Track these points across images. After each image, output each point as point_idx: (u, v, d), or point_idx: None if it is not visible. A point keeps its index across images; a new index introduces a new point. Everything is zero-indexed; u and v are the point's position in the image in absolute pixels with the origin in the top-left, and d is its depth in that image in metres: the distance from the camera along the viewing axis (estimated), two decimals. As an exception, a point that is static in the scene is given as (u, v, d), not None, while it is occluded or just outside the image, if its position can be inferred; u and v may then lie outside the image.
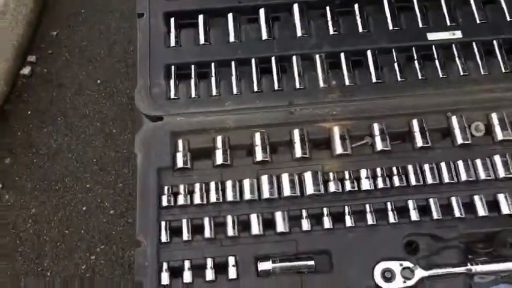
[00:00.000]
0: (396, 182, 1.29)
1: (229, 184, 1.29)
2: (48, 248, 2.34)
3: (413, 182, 1.29)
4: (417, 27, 1.47)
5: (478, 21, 1.48)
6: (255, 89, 1.42)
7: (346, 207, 1.27)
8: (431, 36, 1.46)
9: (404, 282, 1.19)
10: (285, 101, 1.39)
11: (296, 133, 1.34)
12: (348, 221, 1.26)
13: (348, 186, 1.29)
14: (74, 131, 2.56)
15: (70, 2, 2.94)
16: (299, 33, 1.48)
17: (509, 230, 1.22)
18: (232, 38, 1.48)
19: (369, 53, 1.45)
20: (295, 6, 1.50)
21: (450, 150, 1.33)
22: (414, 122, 1.35)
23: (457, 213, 1.25)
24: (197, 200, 1.28)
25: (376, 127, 1.34)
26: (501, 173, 1.29)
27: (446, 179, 1.29)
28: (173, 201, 1.29)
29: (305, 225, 1.25)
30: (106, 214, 2.33)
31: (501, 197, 1.27)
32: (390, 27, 1.48)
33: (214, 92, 1.42)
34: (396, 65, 1.43)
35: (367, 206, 1.27)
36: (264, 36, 1.48)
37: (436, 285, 1.20)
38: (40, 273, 2.30)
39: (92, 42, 2.79)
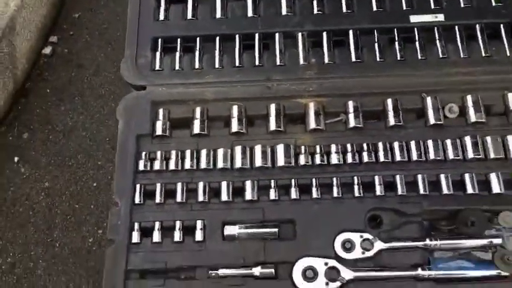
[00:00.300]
0: (365, 158, 1.32)
1: (203, 153, 1.35)
2: (59, 220, 2.44)
3: (381, 158, 1.32)
4: (400, 9, 1.49)
5: (463, 5, 1.48)
6: (237, 63, 1.46)
7: (314, 180, 1.31)
8: (414, 18, 1.47)
9: (363, 253, 1.22)
10: (263, 76, 1.44)
11: (272, 107, 1.38)
12: (315, 193, 1.29)
13: (317, 160, 1.33)
14: (90, 110, 2.65)
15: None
16: (284, 11, 1.51)
17: (471, 209, 1.24)
18: (218, 14, 1.52)
19: (351, 32, 1.47)
20: (283, -15, 1.54)
21: (422, 130, 1.35)
22: (389, 101, 1.37)
23: (422, 191, 1.28)
24: (172, 166, 1.34)
25: (351, 105, 1.37)
26: (470, 153, 1.30)
27: (415, 157, 1.31)
28: (149, 167, 1.35)
29: (273, 194, 1.30)
30: (115, 191, 2.41)
31: (467, 177, 1.28)
32: (374, 9, 1.50)
33: (197, 65, 1.47)
34: (376, 45, 1.45)
35: (334, 179, 1.30)
36: (250, 13, 1.52)
37: (394, 257, 1.23)
38: (49, 244, 2.40)
39: (111, 25, 2.87)
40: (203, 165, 1.34)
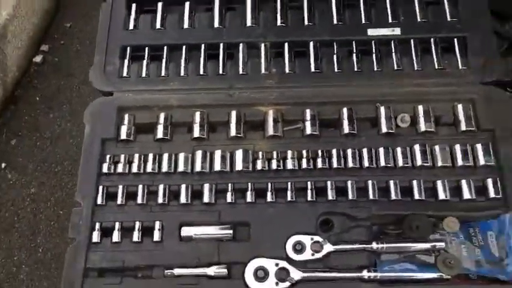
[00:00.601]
0: (320, 164, 1.38)
1: (165, 157, 1.40)
2: (43, 226, 2.47)
3: (335, 165, 1.37)
4: (359, 23, 1.55)
5: (419, 20, 1.55)
6: (201, 72, 1.52)
7: (269, 184, 1.36)
8: (371, 31, 1.53)
9: (313, 254, 1.27)
10: (226, 84, 1.50)
11: (233, 114, 1.44)
12: (270, 197, 1.35)
13: (274, 165, 1.38)
14: (77, 118, 2.67)
15: (87, -4, 3.09)
16: (248, 23, 1.57)
17: (417, 214, 1.29)
18: (186, 25, 1.59)
19: (311, 44, 1.54)
20: (249, -2, 1.60)
21: (374, 138, 1.41)
22: (344, 110, 1.43)
23: (371, 196, 1.33)
24: (135, 169, 1.40)
25: (308, 113, 1.43)
26: (419, 161, 1.36)
27: (366, 164, 1.37)
28: (113, 169, 1.40)
29: (229, 197, 1.35)
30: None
31: (415, 184, 1.34)
32: (335, 22, 1.56)
33: (163, 73, 1.53)
34: (335, 57, 1.52)
35: (289, 184, 1.36)
36: (216, 24, 1.58)
37: (342, 259, 1.28)
38: (33, 249, 2.43)
39: (102, 35, 2.92)
40: (164, 168, 1.39)
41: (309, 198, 1.34)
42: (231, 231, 1.31)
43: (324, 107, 1.45)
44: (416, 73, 1.49)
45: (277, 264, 1.27)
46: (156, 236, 1.32)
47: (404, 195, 1.34)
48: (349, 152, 1.39)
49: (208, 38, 1.57)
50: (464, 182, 1.34)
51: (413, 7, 1.57)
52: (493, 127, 1.39)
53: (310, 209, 1.34)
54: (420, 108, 1.42)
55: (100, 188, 1.38)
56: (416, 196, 1.33)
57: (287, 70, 1.51)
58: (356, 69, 1.50)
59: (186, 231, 1.32)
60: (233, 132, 1.42)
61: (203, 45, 1.55)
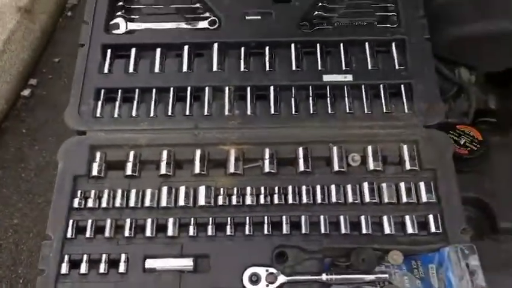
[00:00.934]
0: (276, 200, 1.49)
1: (133, 192, 1.50)
2: (24, 256, 2.53)
3: (290, 200, 1.49)
4: (316, 69, 1.69)
5: (370, 67, 1.70)
6: (169, 113, 1.64)
7: (229, 219, 1.47)
8: (326, 77, 1.68)
9: (267, 285, 1.37)
10: (192, 124, 1.62)
11: (198, 153, 1.56)
12: (229, 230, 1.45)
13: (234, 200, 1.49)
14: None
15: (75, 33, 3.22)
16: (214, 68, 1.71)
17: (364, 248, 1.40)
18: (157, 69, 1.71)
19: (271, 88, 1.67)
20: (215, 45, 1.74)
21: (327, 176, 1.53)
22: (300, 150, 1.55)
23: (323, 230, 1.44)
24: (104, 204, 1.49)
25: (267, 152, 1.55)
26: (367, 198, 1.48)
27: (319, 200, 1.48)
28: (83, 204, 1.49)
29: (191, 231, 1.45)
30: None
31: (363, 219, 1.46)
32: (294, 68, 1.70)
33: (134, 114, 1.64)
34: (293, 100, 1.65)
35: (247, 218, 1.46)
36: (184, 69, 1.71)
37: (294, 289, 1.38)
38: (14, 279, 2.48)
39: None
40: (132, 203, 1.49)
41: (265, 232, 1.44)
42: (191, 263, 1.41)
43: (282, 147, 1.57)
44: (366, 116, 1.62)
45: (234, 295, 1.36)
46: (122, 267, 1.40)
47: (352, 230, 1.45)
48: (303, 188, 1.50)
49: (177, 81, 1.69)
50: (407, 218, 1.46)
51: (364, 56, 1.71)
52: (435, 167, 1.52)
53: (266, 242, 1.44)
54: (370, 148, 1.55)
55: (70, 222, 1.46)
56: (364, 230, 1.44)
57: (249, 112, 1.64)
58: (311, 112, 1.63)
59: (150, 263, 1.41)
60: (197, 169, 1.53)
61: (172, 88, 1.68)
